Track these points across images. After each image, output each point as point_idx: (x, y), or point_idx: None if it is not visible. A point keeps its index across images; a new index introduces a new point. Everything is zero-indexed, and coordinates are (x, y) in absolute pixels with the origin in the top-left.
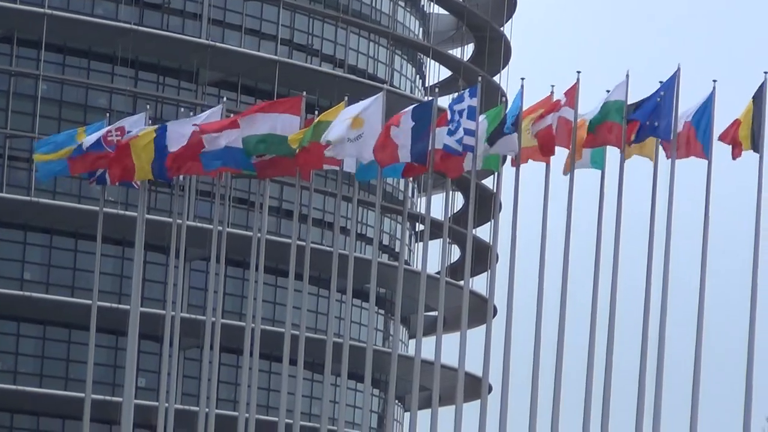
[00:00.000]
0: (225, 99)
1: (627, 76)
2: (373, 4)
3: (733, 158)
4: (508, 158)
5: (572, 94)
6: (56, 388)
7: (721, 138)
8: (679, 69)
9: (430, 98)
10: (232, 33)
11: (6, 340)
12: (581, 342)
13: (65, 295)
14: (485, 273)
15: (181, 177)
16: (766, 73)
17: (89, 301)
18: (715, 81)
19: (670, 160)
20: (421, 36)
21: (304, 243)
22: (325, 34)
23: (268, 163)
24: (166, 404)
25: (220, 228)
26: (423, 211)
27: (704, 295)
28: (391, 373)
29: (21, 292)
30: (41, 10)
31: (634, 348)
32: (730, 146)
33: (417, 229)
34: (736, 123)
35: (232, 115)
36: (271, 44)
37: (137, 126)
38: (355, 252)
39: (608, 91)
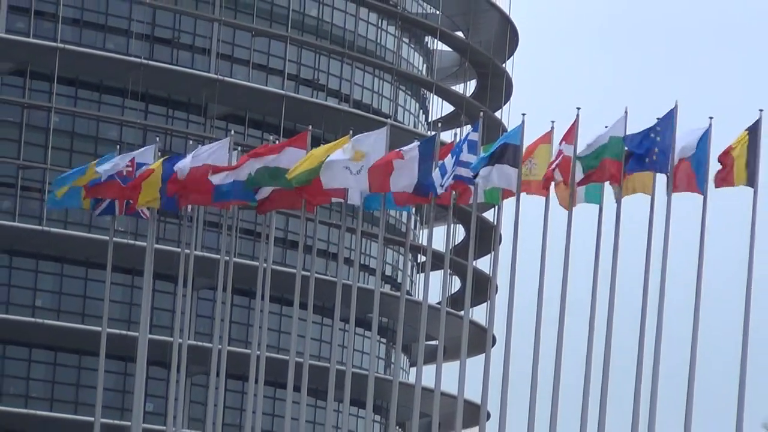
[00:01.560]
0: (233, 132)
1: (626, 112)
2: (378, 41)
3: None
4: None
5: (572, 131)
6: (66, 413)
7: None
8: (676, 105)
9: (433, 133)
10: (240, 68)
11: (18, 365)
12: (578, 370)
13: (76, 321)
14: (485, 303)
15: (189, 208)
16: (761, 110)
17: (99, 328)
18: (711, 118)
19: (666, 193)
20: (424, 72)
21: (308, 273)
22: (331, 69)
23: (272, 196)
24: (174, 429)
25: (227, 258)
26: (425, 243)
27: (698, 328)
28: (392, 400)
29: (33, 319)
30: (53, 44)
31: (629, 377)
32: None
33: (419, 261)
34: (731, 159)
35: (239, 147)
36: (278, 79)
37: (147, 157)
38: (358, 282)
39: (606, 127)
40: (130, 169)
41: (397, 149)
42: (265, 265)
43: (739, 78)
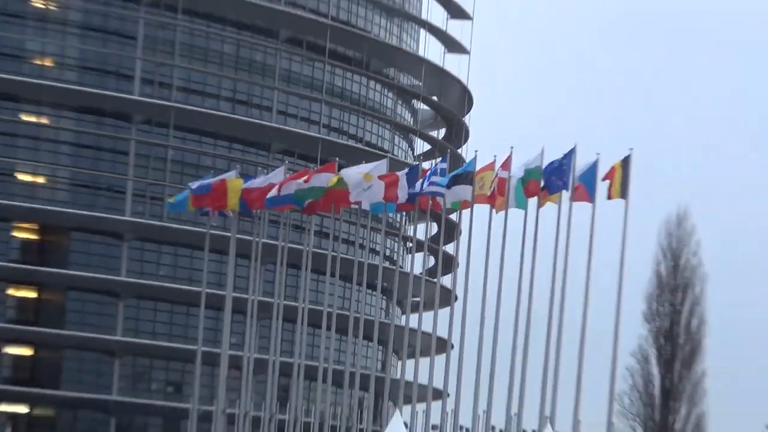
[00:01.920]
0: (287, 162)
1: (542, 150)
2: (381, 102)
3: (608, 198)
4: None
5: (507, 162)
6: (180, 344)
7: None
8: (575, 146)
9: (416, 163)
10: (292, 119)
11: (146, 313)
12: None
13: (184, 284)
14: (450, 274)
15: (257, 211)
16: (631, 149)
17: (200, 288)
18: (598, 154)
19: (569, 203)
20: (411, 123)
21: (336, 254)
22: (350, 121)
23: (313, 204)
24: (248, 354)
25: (283, 243)
26: (411, 234)
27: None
28: (389, 336)
29: (159, 283)
30: (168, 102)
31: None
32: (607, 191)
33: (407, 246)
34: (611, 176)
35: (291, 173)
36: (317, 127)
37: (228, 176)
38: (368, 260)
39: (531, 160)
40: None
41: (395, 173)
42: (308, 248)
43: (618, 124)
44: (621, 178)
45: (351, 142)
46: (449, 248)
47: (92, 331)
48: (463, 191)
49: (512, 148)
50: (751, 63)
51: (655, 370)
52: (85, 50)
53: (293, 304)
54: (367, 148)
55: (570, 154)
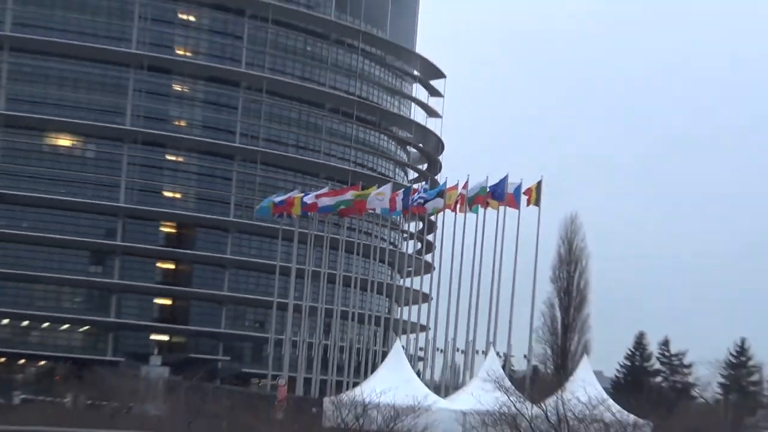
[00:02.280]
0: (329, 184)
1: (487, 177)
2: (387, 147)
3: (527, 205)
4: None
5: (466, 185)
6: None
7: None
8: (507, 175)
9: (409, 185)
10: (333, 158)
11: None
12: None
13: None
14: (430, 254)
15: (311, 213)
16: (542, 176)
17: (275, 263)
18: (522, 179)
19: (501, 208)
20: (406, 159)
21: (359, 241)
22: (368, 159)
23: (344, 210)
24: None
25: (327, 234)
26: (406, 228)
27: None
28: (392, 296)
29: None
30: (256, 147)
31: None
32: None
33: (404, 236)
34: (529, 191)
35: (332, 190)
36: (348, 162)
37: (294, 194)
38: (379, 245)
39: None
40: (287, 200)
41: (396, 191)
42: (342, 237)
43: (534, 156)
44: (536, 194)
45: (369, 172)
46: (430, 237)
47: (208, 288)
48: (438, 203)
49: (468, 175)
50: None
51: (558, 313)
52: (207, 117)
53: (333, 272)
54: (378, 176)
55: (505, 179)
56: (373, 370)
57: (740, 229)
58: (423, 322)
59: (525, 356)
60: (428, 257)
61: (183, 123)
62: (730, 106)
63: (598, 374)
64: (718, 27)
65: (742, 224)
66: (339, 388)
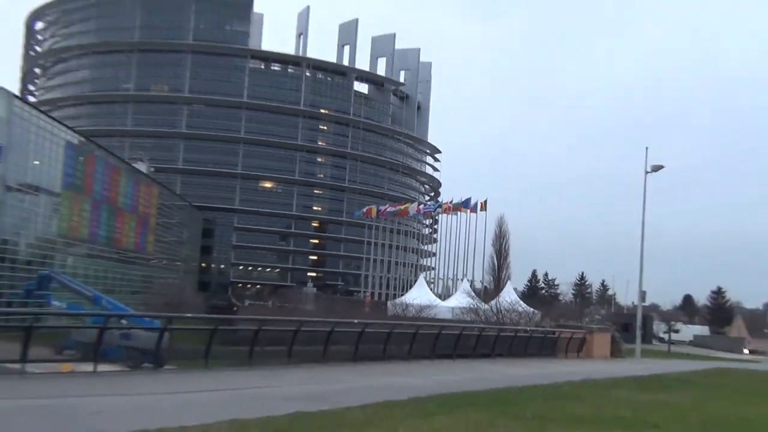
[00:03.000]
0: (389, 203)
1: (461, 198)
2: (417, 185)
3: (481, 210)
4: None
5: (451, 202)
6: None
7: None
8: (471, 197)
9: (425, 202)
10: (395, 190)
11: None
12: None
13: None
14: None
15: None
16: (487, 197)
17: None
18: (477, 199)
19: (468, 213)
20: (424, 190)
21: (406, 227)
22: (409, 191)
23: (397, 213)
24: None
25: (390, 225)
26: (426, 223)
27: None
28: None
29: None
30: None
31: None
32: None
33: (425, 225)
34: (482, 204)
35: (391, 204)
36: (399, 192)
37: (372, 207)
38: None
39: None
40: (369, 209)
41: (419, 205)
42: (397, 226)
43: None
44: (484, 205)
45: (408, 197)
46: (436, 226)
47: (333, 250)
48: (438, 210)
49: (452, 198)
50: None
51: (495, 261)
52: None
53: (391, 243)
54: (412, 198)
55: (470, 199)
56: (409, 289)
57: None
58: (432, 265)
59: (481, 281)
60: (435, 236)
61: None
62: None
63: (515, 290)
64: None
65: None
66: (393, 297)
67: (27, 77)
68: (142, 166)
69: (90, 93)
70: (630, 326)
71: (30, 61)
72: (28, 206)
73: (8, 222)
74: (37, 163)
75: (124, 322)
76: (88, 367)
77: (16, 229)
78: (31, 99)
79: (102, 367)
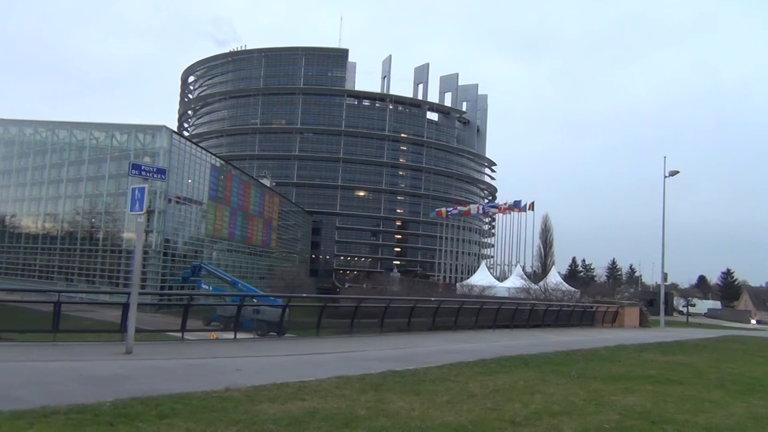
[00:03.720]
0: (456, 207)
1: (513, 200)
2: (478, 191)
3: (529, 209)
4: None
5: (506, 203)
6: None
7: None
8: (521, 199)
9: (484, 204)
10: (461, 195)
11: None
12: None
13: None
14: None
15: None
16: (534, 200)
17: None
18: (526, 200)
19: (518, 213)
20: (483, 195)
21: (469, 224)
22: (472, 196)
23: (463, 214)
24: None
25: (454, 223)
26: (485, 220)
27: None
28: None
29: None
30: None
31: None
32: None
33: (485, 222)
34: (531, 205)
35: (455, 206)
36: (464, 197)
37: (441, 209)
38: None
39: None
40: (440, 210)
41: (479, 206)
42: (461, 224)
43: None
44: (532, 206)
45: (471, 200)
46: (493, 223)
47: (412, 243)
48: (495, 210)
49: (506, 200)
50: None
51: (542, 250)
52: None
53: (458, 237)
54: (473, 201)
55: (519, 201)
56: (473, 273)
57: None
58: (491, 254)
59: (531, 266)
60: (493, 231)
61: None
62: None
63: (558, 273)
64: None
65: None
66: (460, 279)
67: (182, 118)
68: (266, 182)
69: (227, 128)
70: (654, 301)
71: (184, 105)
72: (183, 214)
73: (169, 226)
74: (190, 181)
75: (255, 300)
76: (229, 335)
77: (175, 231)
78: (185, 134)
79: (239, 335)
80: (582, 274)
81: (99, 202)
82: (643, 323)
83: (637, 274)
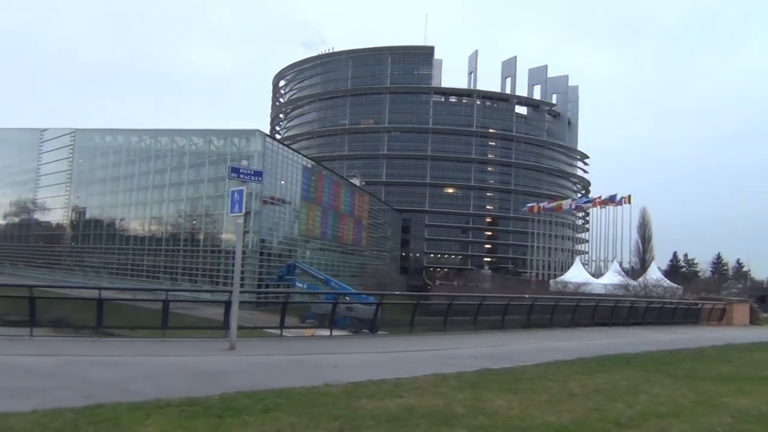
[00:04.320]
0: (547, 201)
1: (608, 194)
2: (571, 185)
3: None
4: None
5: (599, 197)
6: None
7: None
8: (616, 193)
9: (577, 198)
10: (552, 190)
11: None
12: None
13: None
14: (588, 224)
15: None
16: (630, 193)
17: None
18: (621, 194)
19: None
20: (576, 189)
21: (562, 220)
22: (564, 190)
23: (554, 208)
24: None
25: (546, 219)
26: (579, 215)
27: None
28: None
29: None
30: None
31: None
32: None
33: (578, 217)
34: (626, 198)
35: (548, 200)
36: (556, 192)
37: (533, 204)
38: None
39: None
40: (532, 206)
41: (572, 200)
42: (554, 220)
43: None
44: (629, 199)
45: (562, 195)
46: (587, 217)
47: (503, 239)
48: (588, 205)
49: (600, 194)
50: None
51: (640, 245)
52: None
53: (551, 233)
54: (565, 196)
55: (615, 195)
56: (566, 270)
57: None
58: (585, 249)
59: (628, 262)
60: (587, 225)
61: (492, 181)
62: None
63: (658, 269)
64: None
65: None
66: (553, 276)
67: (274, 121)
68: (356, 181)
69: (317, 129)
70: (766, 298)
71: (275, 109)
72: (277, 214)
73: (264, 226)
74: (283, 182)
75: (347, 298)
76: (325, 332)
77: (270, 231)
78: (277, 137)
79: (335, 332)
80: (684, 269)
81: (199, 204)
82: (754, 321)
83: (745, 268)
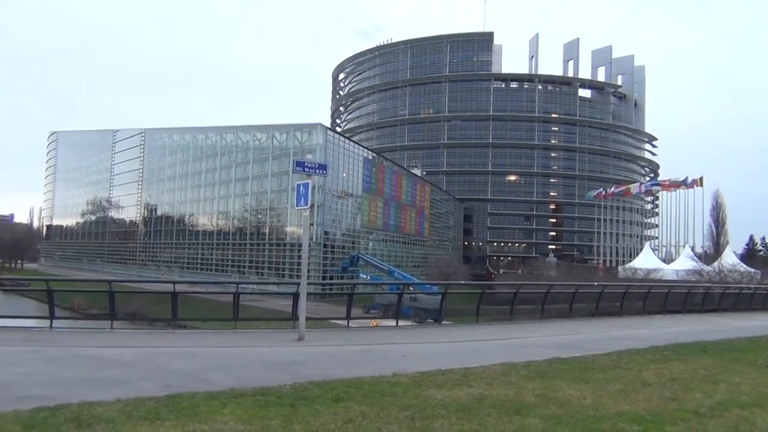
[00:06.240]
0: (614, 185)
1: (678, 177)
2: (638, 169)
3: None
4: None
5: (669, 180)
6: None
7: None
8: (688, 176)
9: (646, 182)
10: (619, 174)
11: None
12: None
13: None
14: (657, 208)
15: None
16: (702, 175)
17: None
18: (692, 177)
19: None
20: (644, 171)
21: (631, 204)
22: (632, 174)
23: (623, 193)
24: None
25: (615, 204)
26: (647, 199)
27: None
28: None
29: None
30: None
31: None
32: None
33: (647, 201)
34: (698, 181)
35: (617, 185)
36: (624, 176)
37: (600, 191)
38: (635, 206)
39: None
40: (600, 192)
41: (641, 184)
42: (624, 204)
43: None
44: (701, 181)
45: (631, 179)
46: (657, 201)
47: (569, 226)
48: (657, 188)
49: (670, 177)
50: None
51: (713, 229)
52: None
53: (618, 219)
54: (633, 180)
55: (687, 178)
56: (635, 256)
57: None
58: (655, 235)
59: (701, 247)
60: (656, 210)
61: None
62: None
63: (734, 253)
64: None
65: None
66: (622, 263)
67: (334, 114)
68: (417, 171)
69: (377, 120)
70: None
71: (335, 102)
72: (340, 206)
73: (328, 218)
74: (345, 174)
75: (411, 288)
76: (390, 322)
77: (333, 222)
78: (338, 129)
79: (400, 323)
80: (762, 253)
81: (264, 199)
82: None
83: None
